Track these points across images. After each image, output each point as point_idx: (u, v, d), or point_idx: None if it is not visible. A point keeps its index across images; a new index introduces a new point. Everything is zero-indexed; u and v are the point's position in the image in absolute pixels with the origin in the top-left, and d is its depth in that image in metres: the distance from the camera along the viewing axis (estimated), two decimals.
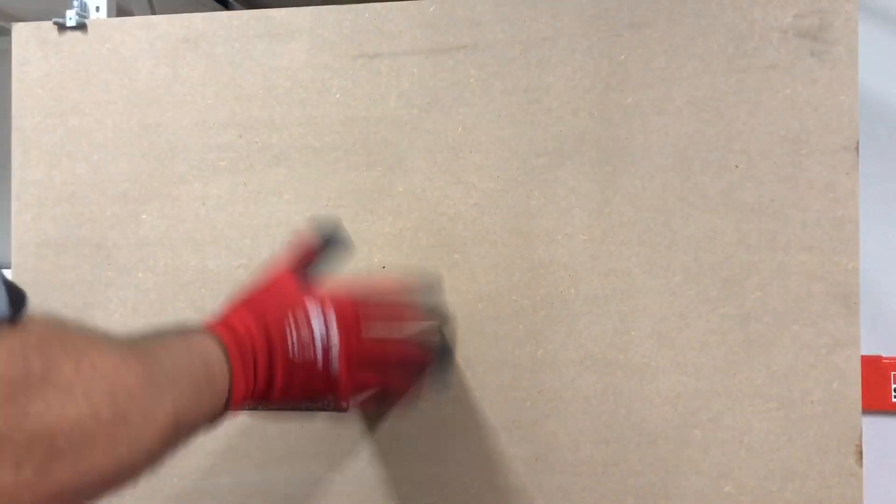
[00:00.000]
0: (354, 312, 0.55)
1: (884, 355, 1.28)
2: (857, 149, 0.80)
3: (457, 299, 0.87)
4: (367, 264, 0.87)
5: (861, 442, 0.79)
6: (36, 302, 0.93)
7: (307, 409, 0.52)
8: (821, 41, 0.81)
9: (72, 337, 0.41)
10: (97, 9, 0.97)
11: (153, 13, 1.56)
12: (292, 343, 0.50)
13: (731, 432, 0.81)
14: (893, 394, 1.27)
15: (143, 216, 0.93)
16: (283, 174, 0.90)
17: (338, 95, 0.90)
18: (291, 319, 0.51)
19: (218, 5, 1.81)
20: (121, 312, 0.92)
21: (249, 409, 0.53)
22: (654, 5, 0.83)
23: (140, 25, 0.94)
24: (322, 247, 0.49)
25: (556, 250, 0.85)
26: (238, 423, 0.90)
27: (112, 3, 0.98)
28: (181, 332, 0.50)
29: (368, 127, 0.89)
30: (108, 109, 0.93)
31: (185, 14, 0.93)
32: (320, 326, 0.49)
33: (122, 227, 0.93)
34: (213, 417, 0.50)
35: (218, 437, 0.90)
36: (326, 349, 0.49)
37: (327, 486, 0.88)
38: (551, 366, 0.84)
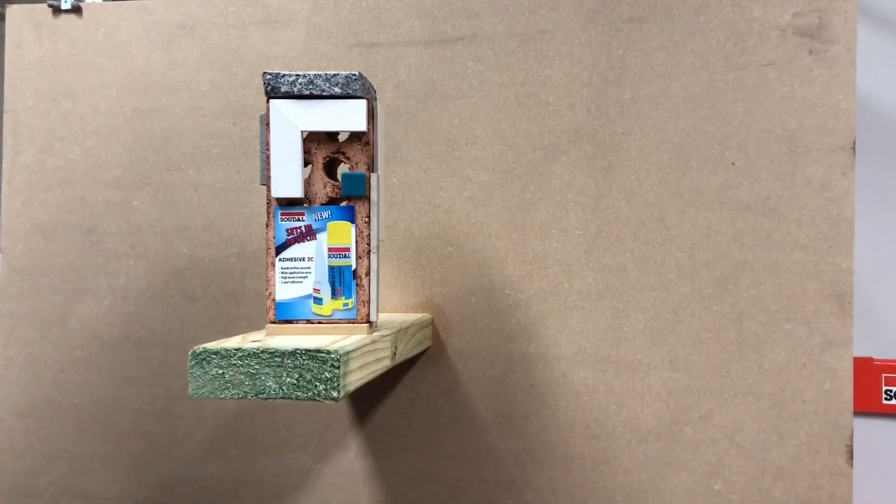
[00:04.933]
0: None
1: (875, 357, 1.29)
2: (853, 148, 0.80)
3: (450, 292, 0.86)
4: None
5: (852, 442, 0.78)
6: (25, 286, 0.93)
7: None
8: (819, 40, 0.80)
9: None
10: None
11: None
12: None
13: (722, 430, 0.81)
14: (884, 396, 1.27)
15: (135, 202, 0.92)
16: None
17: None
18: None
19: None
20: (111, 299, 0.92)
21: None
22: (653, 0, 0.83)
23: (136, 10, 0.93)
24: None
25: (551, 244, 0.84)
26: (227, 412, 0.89)
27: None
28: None
29: None
30: (102, 94, 0.93)
31: None
32: None
33: (113, 213, 0.92)
34: None
35: (206, 427, 0.90)
36: None
37: (315, 477, 0.88)
38: (543, 360, 0.84)
